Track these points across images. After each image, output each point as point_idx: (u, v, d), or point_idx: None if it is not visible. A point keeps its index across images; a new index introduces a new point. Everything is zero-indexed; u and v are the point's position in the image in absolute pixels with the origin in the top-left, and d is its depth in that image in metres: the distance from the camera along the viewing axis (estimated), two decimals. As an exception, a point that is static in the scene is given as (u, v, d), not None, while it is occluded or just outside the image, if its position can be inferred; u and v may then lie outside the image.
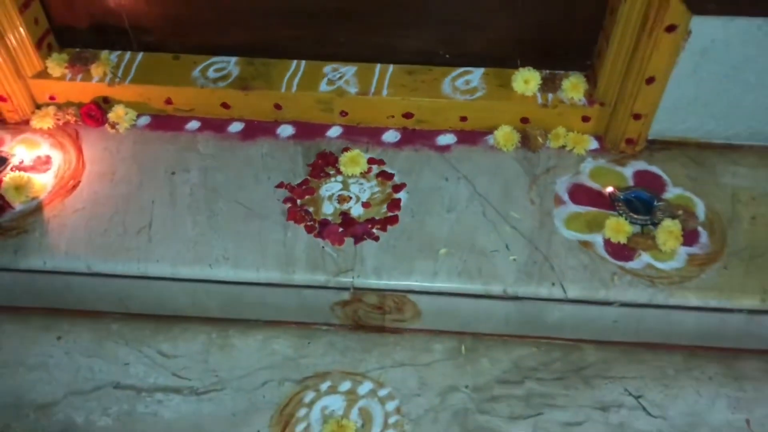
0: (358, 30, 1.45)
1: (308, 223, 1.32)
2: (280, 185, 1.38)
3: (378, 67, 1.48)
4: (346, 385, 1.30)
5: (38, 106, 1.48)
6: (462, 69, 1.47)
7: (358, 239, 1.29)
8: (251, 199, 1.36)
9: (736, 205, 1.35)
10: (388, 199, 1.36)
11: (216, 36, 1.48)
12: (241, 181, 1.39)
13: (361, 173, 1.39)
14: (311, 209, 1.34)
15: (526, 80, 1.42)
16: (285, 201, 1.35)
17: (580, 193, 1.36)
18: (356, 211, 1.34)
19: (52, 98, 1.47)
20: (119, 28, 1.47)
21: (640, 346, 1.35)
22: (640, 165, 1.42)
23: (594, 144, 1.44)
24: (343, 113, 1.46)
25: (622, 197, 1.33)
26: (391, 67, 1.47)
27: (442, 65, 1.48)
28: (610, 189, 1.35)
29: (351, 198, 1.36)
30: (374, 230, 1.31)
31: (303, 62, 1.48)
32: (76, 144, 1.43)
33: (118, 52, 1.49)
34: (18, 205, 1.33)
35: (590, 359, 1.34)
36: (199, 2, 1.44)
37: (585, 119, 1.43)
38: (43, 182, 1.36)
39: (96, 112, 1.45)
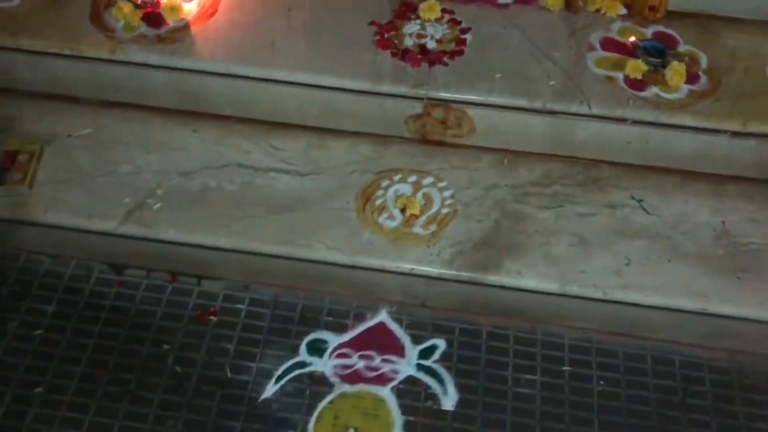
0: None
1: (393, 50, 1.70)
2: (371, 23, 1.75)
3: (455, -62, 1.83)
4: (412, 178, 1.69)
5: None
6: (523, -56, 1.82)
7: (431, 63, 1.67)
8: (349, 32, 1.74)
9: (733, 59, 1.70)
10: (457, 38, 1.73)
11: None
12: (341, 19, 1.76)
13: (435, 19, 1.76)
14: (396, 41, 1.72)
15: (574, -47, 1.76)
16: (375, 34, 1.73)
17: (608, 44, 1.72)
18: (431, 45, 1.71)
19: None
20: None
21: (646, 168, 1.71)
22: (659, 28, 1.76)
23: (623, 10, 1.79)
24: (424, -24, 1.82)
25: (640, 45, 1.69)
26: (464, -61, 1.83)
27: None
28: (632, 39, 1.70)
29: (427, 36, 1.73)
30: (445, 59, 1.68)
31: (395, -69, 1.84)
32: (216, -16, 1.82)
33: None
34: (171, 22, 1.72)
35: (605, 174, 1.71)
36: None
37: (619, -10, 1.78)
38: (188, 8, 1.75)
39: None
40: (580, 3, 1.78)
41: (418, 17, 1.77)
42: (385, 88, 1.65)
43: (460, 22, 1.76)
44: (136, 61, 1.68)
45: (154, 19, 1.71)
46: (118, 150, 1.72)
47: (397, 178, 1.69)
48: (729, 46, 1.73)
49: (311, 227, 1.60)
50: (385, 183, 1.68)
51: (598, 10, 1.78)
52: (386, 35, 1.72)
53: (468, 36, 1.73)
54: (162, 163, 1.70)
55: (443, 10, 1.77)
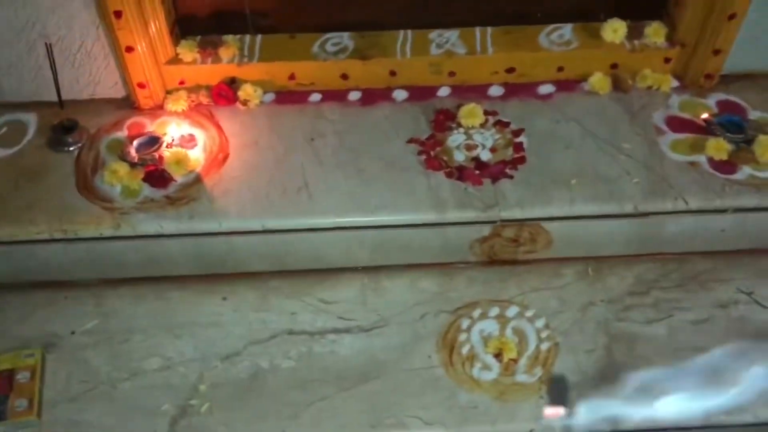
0: (461, 4, 1.61)
1: (446, 170, 1.46)
2: (410, 141, 1.52)
3: (478, 29, 1.63)
4: (494, 311, 1.45)
5: (168, 91, 1.59)
6: (553, 25, 1.63)
7: (495, 179, 1.44)
8: (389, 155, 1.49)
9: (809, 120, 1.55)
10: (511, 143, 1.51)
11: (327, 15, 1.61)
12: (374, 140, 1.52)
13: (480, 124, 1.54)
14: (445, 158, 1.49)
15: (615, 29, 1.59)
16: (419, 153, 1.49)
17: (676, 123, 1.54)
18: (485, 156, 1.49)
19: (181, 83, 1.58)
20: (238, 13, 1.59)
21: (741, 253, 1.52)
22: (720, 96, 1.60)
23: (675, 82, 1.62)
24: (451, 74, 1.61)
25: (716, 121, 1.51)
26: (489, 29, 1.63)
27: (535, 24, 1.64)
28: (704, 115, 1.53)
29: (477, 146, 1.51)
30: (507, 170, 1.46)
31: (409, 31, 1.62)
32: (214, 121, 1.55)
33: (239, 36, 1.61)
34: (179, 177, 1.44)
35: (700, 267, 1.51)
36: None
37: (666, 60, 1.61)
38: (194, 157, 1.47)
39: (227, 91, 1.56)
40: (630, 81, 1.60)
41: (460, 125, 1.54)
42: (451, 217, 1.41)
43: (508, 124, 1.55)
44: (148, 233, 1.38)
45: (158, 177, 1.42)
46: (139, 340, 1.40)
47: (476, 314, 1.44)
48: (797, 105, 1.58)
49: (396, 398, 1.33)
50: (465, 323, 1.43)
51: (649, 87, 1.61)
52: (432, 153, 1.49)
53: (522, 138, 1.52)
54: (196, 347, 1.39)
55: (486, 113, 1.56)
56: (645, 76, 1.60)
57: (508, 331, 1.41)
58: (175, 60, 1.56)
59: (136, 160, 1.44)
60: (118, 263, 1.46)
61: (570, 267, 1.52)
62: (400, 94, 1.61)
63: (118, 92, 1.58)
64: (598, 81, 1.60)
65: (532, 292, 1.48)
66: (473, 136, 1.53)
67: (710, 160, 1.47)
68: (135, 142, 1.47)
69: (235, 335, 1.41)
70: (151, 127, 1.53)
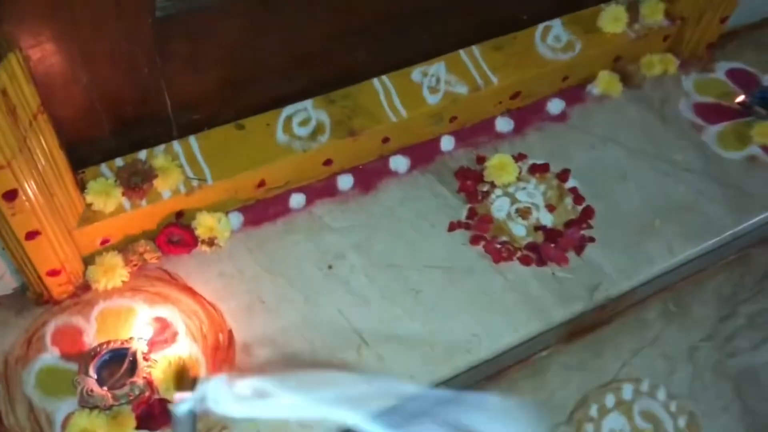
0: (426, 24, 1.22)
1: (518, 256, 1.13)
2: (451, 228, 1.15)
3: (462, 53, 1.27)
4: (611, 400, 1.19)
5: (86, 259, 1.04)
6: (542, 25, 1.32)
7: (578, 249, 1.15)
8: (437, 257, 1.12)
9: (817, 72, 1.45)
10: (564, 192, 1.21)
11: (270, 84, 1.14)
12: (407, 242, 1.13)
13: (516, 178, 1.22)
14: (505, 239, 1.15)
15: (616, 18, 1.32)
16: (472, 242, 1.14)
17: (707, 112, 1.35)
18: (546, 219, 1.18)
19: (104, 242, 1.04)
20: (155, 115, 1.06)
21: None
22: (725, 66, 1.43)
23: (676, 60, 1.42)
24: (453, 119, 1.24)
25: (751, 102, 1.34)
26: (475, 49, 1.27)
27: (519, 29, 1.31)
28: (740, 99, 1.35)
29: (530, 208, 1.19)
30: (583, 232, 1.17)
31: (384, 78, 1.21)
32: (180, 286, 1.04)
33: (162, 148, 1.08)
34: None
35: (762, 261, 1.38)
36: (254, 49, 1.08)
37: (664, 39, 1.39)
38: (187, 356, 0.98)
39: (182, 233, 1.06)
40: (638, 73, 1.37)
41: (493, 185, 1.21)
42: (557, 318, 1.10)
43: (546, 166, 1.24)
44: None
45: (159, 415, 0.92)
46: None
47: (594, 412, 1.18)
48: (794, 56, 1.46)
49: None
50: (590, 428, 1.16)
51: (657, 75, 1.39)
52: (488, 236, 1.15)
53: (572, 182, 1.23)
54: None
55: (513, 158, 1.23)
56: (652, 63, 1.37)
57: (637, 420, 1.17)
58: (90, 216, 1.01)
59: (111, 400, 0.91)
60: None
61: (650, 309, 1.30)
62: (398, 163, 1.22)
63: (6, 287, 1.00)
64: (607, 82, 1.34)
65: (632, 357, 1.24)
66: (516, 195, 1.21)
67: (764, 147, 1.30)
68: (91, 371, 0.93)
69: None
70: (90, 329, 0.99)
